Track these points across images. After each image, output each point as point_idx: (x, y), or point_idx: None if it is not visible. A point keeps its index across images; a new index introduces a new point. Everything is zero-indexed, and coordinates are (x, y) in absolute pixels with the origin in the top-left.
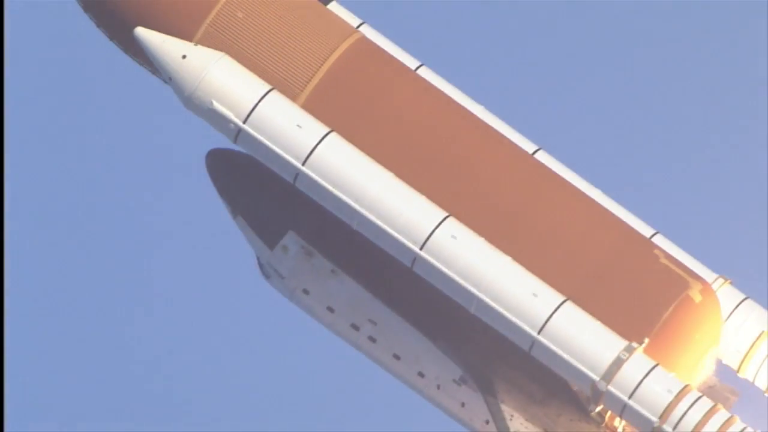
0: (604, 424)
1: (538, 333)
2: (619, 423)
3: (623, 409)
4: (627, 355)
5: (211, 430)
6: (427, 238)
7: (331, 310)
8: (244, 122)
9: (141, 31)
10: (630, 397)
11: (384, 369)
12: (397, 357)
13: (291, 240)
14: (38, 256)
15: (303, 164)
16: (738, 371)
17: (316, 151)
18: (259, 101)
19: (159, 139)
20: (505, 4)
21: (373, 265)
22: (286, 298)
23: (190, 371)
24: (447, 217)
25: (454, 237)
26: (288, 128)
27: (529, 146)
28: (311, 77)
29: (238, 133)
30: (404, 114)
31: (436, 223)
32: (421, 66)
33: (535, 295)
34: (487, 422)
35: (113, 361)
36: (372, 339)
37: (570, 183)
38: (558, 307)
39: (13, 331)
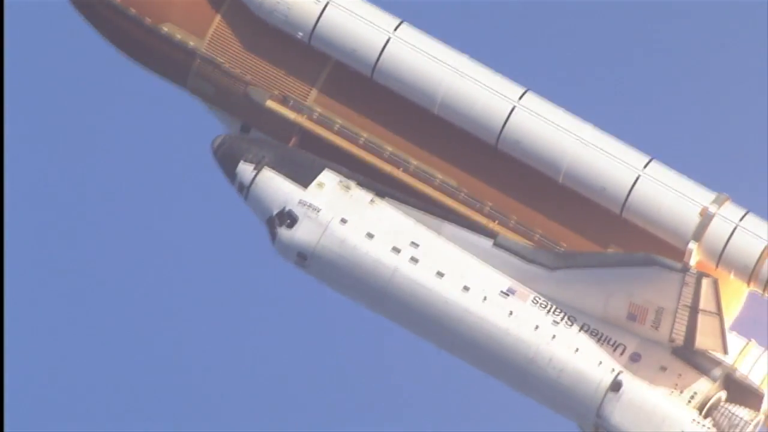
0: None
1: (644, 168)
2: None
3: (731, 235)
4: (726, 195)
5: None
6: (522, 95)
7: (370, 236)
8: None
9: None
10: (741, 220)
11: (418, 300)
12: (440, 274)
13: (327, 177)
14: (40, 255)
15: (396, 29)
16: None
17: (404, 23)
18: None
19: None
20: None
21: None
22: (293, 263)
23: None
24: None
25: (541, 98)
26: (373, 7)
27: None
28: None
29: (325, 7)
30: None
31: (524, 88)
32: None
33: (630, 146)
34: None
35: (114, 362)
36: (414, 260)
37: None
38: (652, 158)
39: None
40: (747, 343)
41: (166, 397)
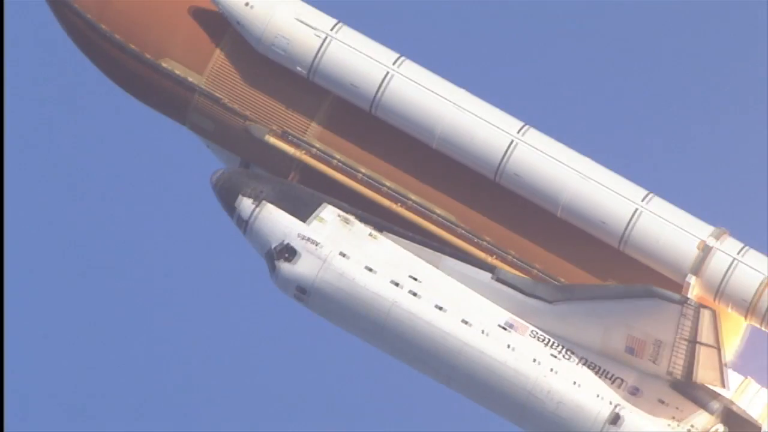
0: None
1: (643, 201)
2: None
3: (730, 268)
4: (724, 228)
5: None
6: (521, 129)
7: (370, 269)
8: (332, 29)
9: None
10: (739, 253)
11: (418, 333)
12: (440, 308)
13: (327, 211)
14: (40, 259)
15: (395, 63)
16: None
17: (403, 58)
18: (339, 22)
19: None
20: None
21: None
22: (293, 297)
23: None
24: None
25: (541, 133)
26: (372, 42)
27: (516, 122)
28: None
29: (324, 42)
30: None
31: (523, 122)
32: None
33: (628, 180)
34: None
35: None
36: (413, 293)
37: None
38: (650, 192)
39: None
40: (744, 380)
41: (166, 398)
